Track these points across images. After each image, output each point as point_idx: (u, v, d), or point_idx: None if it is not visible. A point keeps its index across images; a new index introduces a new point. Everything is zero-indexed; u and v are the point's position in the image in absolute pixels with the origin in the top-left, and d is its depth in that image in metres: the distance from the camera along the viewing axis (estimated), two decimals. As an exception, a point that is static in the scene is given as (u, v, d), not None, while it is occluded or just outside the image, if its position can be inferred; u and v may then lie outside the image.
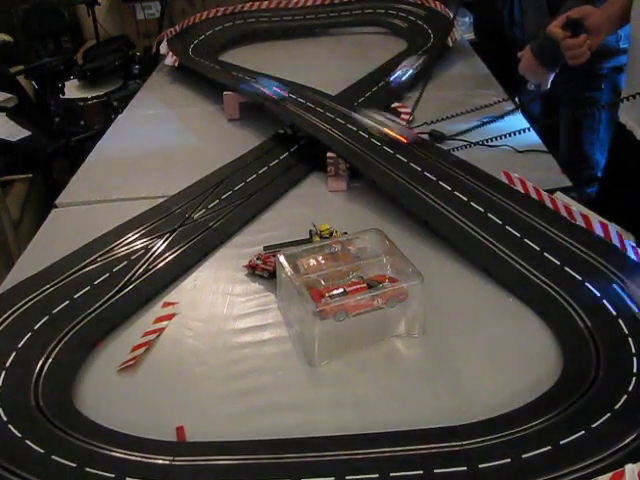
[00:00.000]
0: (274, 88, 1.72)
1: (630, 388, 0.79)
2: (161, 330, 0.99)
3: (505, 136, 1.44)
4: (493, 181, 1.24)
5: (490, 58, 2.20)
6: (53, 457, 0.75)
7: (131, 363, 0.92)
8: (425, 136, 1.50)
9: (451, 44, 2.06)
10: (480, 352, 0.91)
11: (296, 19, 2.51)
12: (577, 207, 1.11)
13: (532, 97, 1.65)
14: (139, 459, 0.74)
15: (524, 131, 1.43)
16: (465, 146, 1.44)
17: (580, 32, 1.33)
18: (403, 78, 1.79)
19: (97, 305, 1.02)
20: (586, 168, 1.85)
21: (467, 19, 3.04)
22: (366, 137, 1.43)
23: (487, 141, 1.44)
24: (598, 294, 0.95)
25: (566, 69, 1.46)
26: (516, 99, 1.68)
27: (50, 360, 0.91)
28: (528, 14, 1.97)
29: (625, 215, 1.10)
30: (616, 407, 0.77)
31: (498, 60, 2.00)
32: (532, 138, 1.49)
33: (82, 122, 2.90)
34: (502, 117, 1.58)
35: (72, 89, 2.94)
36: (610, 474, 0.63)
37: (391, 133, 1.38)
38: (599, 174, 1.80)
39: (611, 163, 1.52)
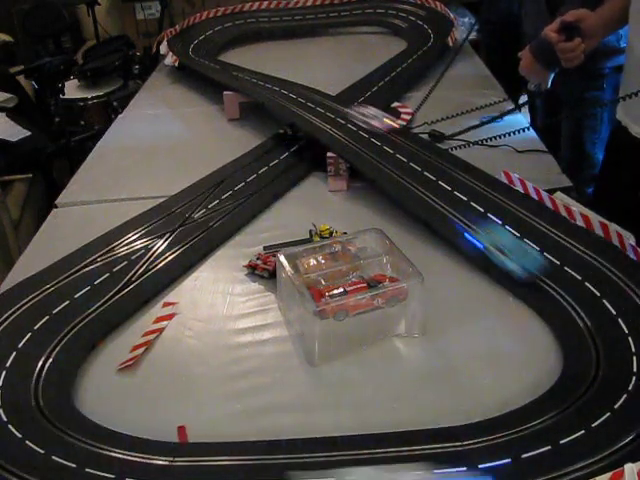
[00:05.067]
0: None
1: (630, 388, 0.79)
2: (161, 330, 0.99)
3: (505, 135, 1.44)
4: (493, 181, 1.24)
5: (496, 56, 2.20)
6: (53, 457, 0.75)
7: (130, 363, 0.92)
8: (425, 136, 1.51)
9: (451, 44, 2.06)
10: (480, 352, 0.92)
11: (296, 19, 2.51)
12: (577, 207, 1.11)
13: (536, 95, 1.65)
14: (139, 459, 0.74)
15: (523, 130, 1.44)
16: (464, 145, 1.44)
17: (575, 35, 1.34)
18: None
19: (97, 305, 1.02)
20: (588, 167, 1.85)
21: (467, 19, 3.04)
22: (366, 137, 1.43)
23: (487, 140, 1.44)
24: (598, 294, 0.95)
25: (567, 69, 1.46)
26: (520, 99, 1.68)
27: (50, 360, 0.91)
28: (528, 15, 1.97)
29: (623, 214, 1.10)
30: (616, 406, 0.77)
31: (504, 59, 2.00)
32: (532, 138, 1.49)
33: (82, 122, 2.90)
34: (502, 117, 1.58)
35: (72, 89, 2.93)
36: (610, 473, 0.63)
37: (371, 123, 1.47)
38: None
39: (608, 161, 1.52)
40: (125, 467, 0.74)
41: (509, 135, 1.45)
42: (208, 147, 1.65)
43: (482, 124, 1.54)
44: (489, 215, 1.14)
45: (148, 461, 0.74)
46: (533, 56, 1.47)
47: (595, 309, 0.93)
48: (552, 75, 1.52)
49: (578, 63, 1.37)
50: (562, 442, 0.73)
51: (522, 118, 1.61)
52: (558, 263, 1.02)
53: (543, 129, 1.88)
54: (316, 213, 1.25)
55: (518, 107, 1.64)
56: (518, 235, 1.07)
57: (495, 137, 1.44)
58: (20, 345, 0.94)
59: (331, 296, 0.90)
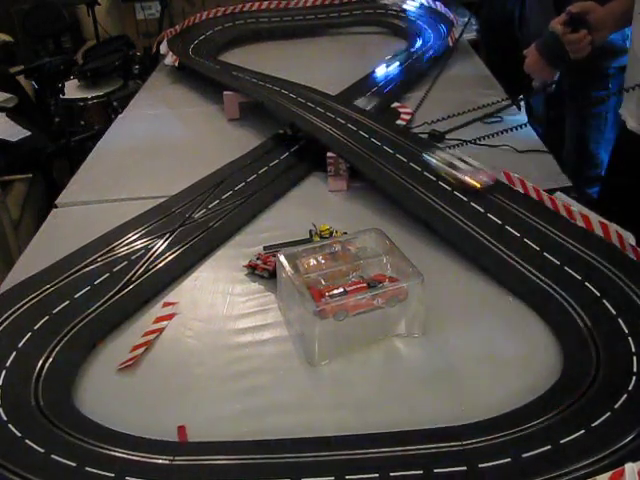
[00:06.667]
0: None
1: (630, 387, 0.79)
2: (161, 330, 0.99)
3: (503, 132, 1.44)
4: (493, 181, 1.24)
5: (495, 56, 2.20)
6: (53, 456, 0.75)
7: (130, 363, 0.92)
8: (425, 136, 1.51)
9: (451, 44, 2.06)
10: (480, 352, 0.91)
11: (296, 19, 2.51)
12: (577, 207, 1.11)
13: (536, 92, 1.65)
14: (139, 459, 0.74)
15: (521, 127, 1.44)
16: (461, 144, 1.44)
17: (581, 27, 1.33)
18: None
19: (97, 305, 1.02)
20: (591, 167, 1.85)
21: (467, 19, 3.03)
22: (366, 137, 1.43)
23: (486, 138, 1.44)
24: (598, 294, 0.95)
25: (573, 68, 1.46)
26: (520, 98, 1.67)
27: (50, 360, 0.91)
28: (533, 13, 1.97)
29: (626, 214, 1.10)
30: (616, 406, 0.77)
31: (504, 58, 1.99)
32: (532, 138, 1.49)
33: (82, 122, 2.90)
34: (501, 117, 1.58)
35: (72, 89, 2.93)
36: (610, 473, 0.63)
37: (461, 177, 1.22)
38: (604, 173, 1.80)
39: (613, 161, 1.52)
40: (125, 466, 0.74)
41: (507, 132, 1.45)
42: (208, 147, 1.65)
43: (473, 121, 1.54)
44: (488, 215, 1.14)
45: (148, 460, 0.74)
46: (539, 53, 1.47)
47: (595, 309, 0.93)
48: (557, 73, 1.52)
49: (585, 54, 1.36)
50: (562, 442, 0.73)
51: (522, 119, 1.61)
52: (558, 263, 1.02)
53: (547, 128, 1.87)
54: (316, 213, 1.25)
55: (517, 105, 1.64)
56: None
57: (493, 135, 1.44)
58: (20, 345, 0.94)
59: (331, 296, 0.90)
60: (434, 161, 1.27)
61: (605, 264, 1.00)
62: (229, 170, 1.43)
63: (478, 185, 1.19)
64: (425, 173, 1.28)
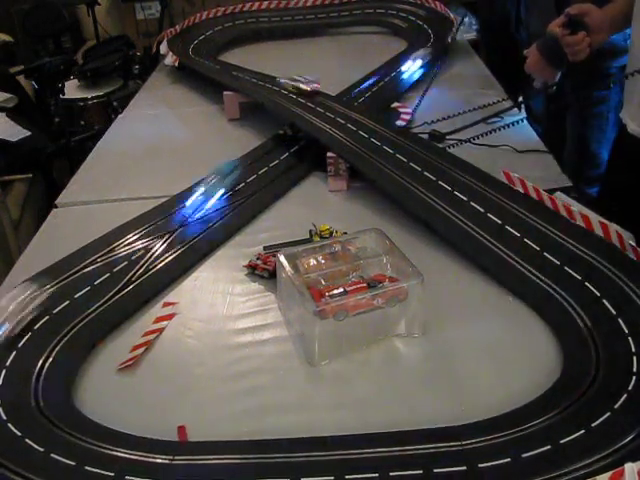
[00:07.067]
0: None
1: (630, 387, 0.79)
2: (161, 330, 0.99)
3: (501, 129, 1.45)
4: (493, 181, 1.24)
5: (495, 57, 2.19)
6: (52, 455, 0.75)
7: (130, 363, 0.92)
8: (425, 136, 1.51)
9: (449, 41, 2.06)
10: (480, 352, 0.91)
11: (296, 19, 2.51)
12: (577, 207, 1.11)
13: (536, 92, 1.66)
14: (139, 458, 0.74)
15: (518, 122, 1.45)
16: (460, 142, 1.44)
17: (580, 29, 1.34)
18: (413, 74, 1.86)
19: (97, 305, 1.02)
20: (592, 167, 1.85)
21: (467, 19, 3.04)
22: (366, 137, 1.43)
23: (484, 135, 1.44)
24: (598, 294, 0.95)
25: (574, 69, 1.46)
26: (520, 99, 1.67)
27: (50, 360, 0.91)
28: (534, 13, 1.97)
29: (626, 214, 1.10)
30: (616, 406, 0.77)
31: (504, 59, 1.99)
32: (532, 138, 1.49)
33: (82, 122, 2.90)
34: (502, 117, 1.58)
35: (72, 89, 2.93)
36: (610, 473, 0.63)
37: (297, 85, 1.70)
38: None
39: (612, 161, 1.52)
40: (125, 465, 0.74)
41: (505, 128, 1.45)
42: (208, 147, 1.65)
43: (475, 123, 1.54)
44: (488, 215, 1.14)
45: (148, 460, 0.74)
46: (540, 54, 1.47)
47: (595, 309, 0.93)
48: (559, 74, 1.52)
49: (584, 57, 1.37)
50: (562, 442, 0.73)
51: (521, 116, 1.61)
52: (558, 263, 1.02)
53: (548, 128, 1.87)
54: (316, 213, 1.25)
55: (518, 106, 1.64)
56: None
57: (491, 131, 1.45)
58: (20, 345, 0.94)
59: (331, 296, 0.90)
60: (283, 81, 1.74)
61: (605, 264, 1.00)
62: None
63: (308, 89, 1.67)
64: (425, 173, 1.28)
